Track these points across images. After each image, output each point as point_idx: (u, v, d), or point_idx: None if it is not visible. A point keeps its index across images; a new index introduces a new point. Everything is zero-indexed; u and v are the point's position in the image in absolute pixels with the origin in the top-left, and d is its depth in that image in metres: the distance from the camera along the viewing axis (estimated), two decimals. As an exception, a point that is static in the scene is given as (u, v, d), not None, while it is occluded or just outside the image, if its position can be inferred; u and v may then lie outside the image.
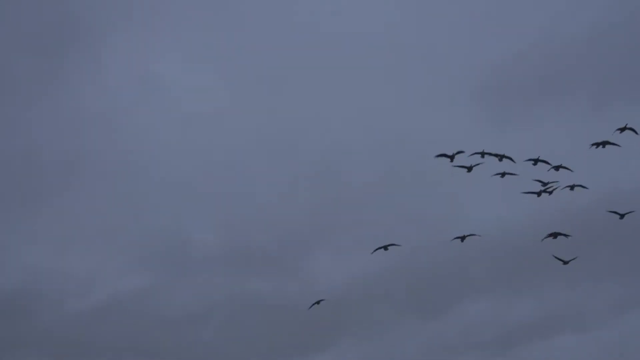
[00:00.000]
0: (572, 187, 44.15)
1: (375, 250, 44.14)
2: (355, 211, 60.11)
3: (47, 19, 65.60)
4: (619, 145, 43.39)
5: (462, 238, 44.72)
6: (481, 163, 43.83)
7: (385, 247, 44.22)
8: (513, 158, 43.78)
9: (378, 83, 66.06)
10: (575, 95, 62.09)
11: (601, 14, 64.32)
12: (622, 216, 44.02)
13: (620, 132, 42.94)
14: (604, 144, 43.41)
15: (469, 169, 43.82)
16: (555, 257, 44.45)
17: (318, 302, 47.46)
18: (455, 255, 54.87)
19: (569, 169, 44.43)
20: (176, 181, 61.58)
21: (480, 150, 43.59)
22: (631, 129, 42.68)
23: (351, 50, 66.97)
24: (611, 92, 62.01)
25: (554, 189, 44.38)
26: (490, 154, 43.72)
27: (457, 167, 43.78)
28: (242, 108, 65.89)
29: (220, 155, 62.51)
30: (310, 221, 58.98)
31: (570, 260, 44.50)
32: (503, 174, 44.37)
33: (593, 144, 43.55)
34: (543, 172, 44.67)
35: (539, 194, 44.82)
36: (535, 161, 44.52)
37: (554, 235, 43.75)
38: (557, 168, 44.26)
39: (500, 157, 44.09)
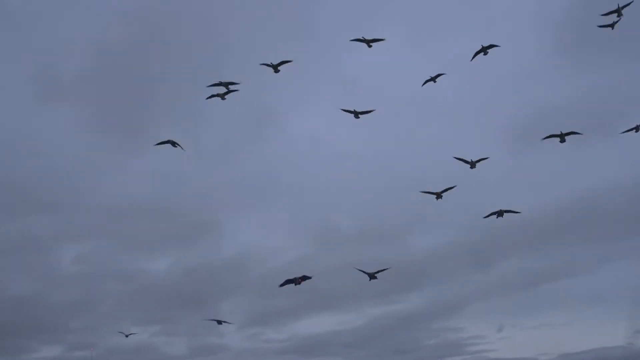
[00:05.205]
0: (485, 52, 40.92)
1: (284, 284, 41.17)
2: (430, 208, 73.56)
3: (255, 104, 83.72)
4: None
5: (434, 79, 43.37)
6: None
7: (294, 282, 40.87)
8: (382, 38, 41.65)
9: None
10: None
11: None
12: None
13: None
14: None
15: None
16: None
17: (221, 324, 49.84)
18: (494, 232, 67.35)
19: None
20: (328, 189, 79.83)
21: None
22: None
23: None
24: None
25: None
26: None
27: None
28: (361, 150, 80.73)
29: (351, 175, 79.70)
30: (404, 214, 74.13)
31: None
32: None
33: None
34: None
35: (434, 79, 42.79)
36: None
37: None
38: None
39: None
